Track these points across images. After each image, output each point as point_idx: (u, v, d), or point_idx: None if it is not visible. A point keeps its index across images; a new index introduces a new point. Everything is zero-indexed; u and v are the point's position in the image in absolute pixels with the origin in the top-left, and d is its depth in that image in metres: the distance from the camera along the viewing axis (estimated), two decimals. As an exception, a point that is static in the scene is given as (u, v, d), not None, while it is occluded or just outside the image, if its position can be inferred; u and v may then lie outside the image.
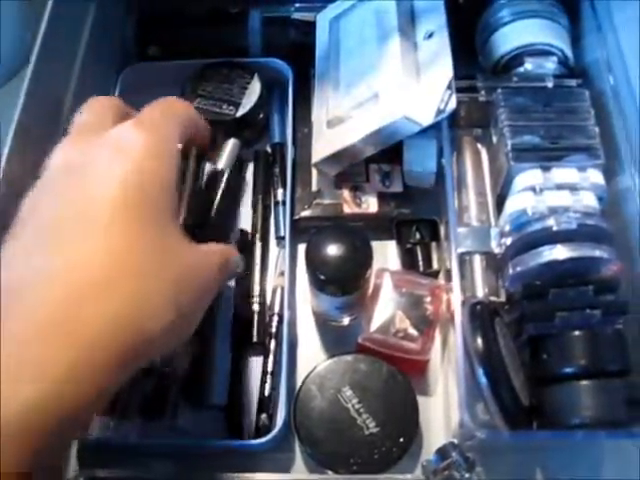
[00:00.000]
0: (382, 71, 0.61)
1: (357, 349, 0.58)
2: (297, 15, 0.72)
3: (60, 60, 0.60)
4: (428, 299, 0.57)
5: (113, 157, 0.40)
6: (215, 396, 0.58)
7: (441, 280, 0.61)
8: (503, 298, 0.58)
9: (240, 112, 0.66)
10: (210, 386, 0.58)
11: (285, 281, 0.60)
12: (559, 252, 0.55)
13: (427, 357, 0.57)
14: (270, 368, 0.59)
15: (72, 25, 0.62)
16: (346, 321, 0.62)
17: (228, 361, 0.60)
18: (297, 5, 0.72)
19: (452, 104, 0.57)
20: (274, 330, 0.60)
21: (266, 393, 0.58)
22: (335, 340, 0.62)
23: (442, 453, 0.54)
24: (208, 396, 0.58)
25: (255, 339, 0.61)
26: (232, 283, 0.61)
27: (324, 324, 0.63)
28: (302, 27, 0.70)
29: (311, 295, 0.61)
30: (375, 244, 0.57)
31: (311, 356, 0.61)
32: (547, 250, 0.55)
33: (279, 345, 0.59)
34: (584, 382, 0.52)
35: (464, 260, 0.59)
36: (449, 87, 0.57)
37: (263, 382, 0.59)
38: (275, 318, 0.61)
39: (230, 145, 0.54)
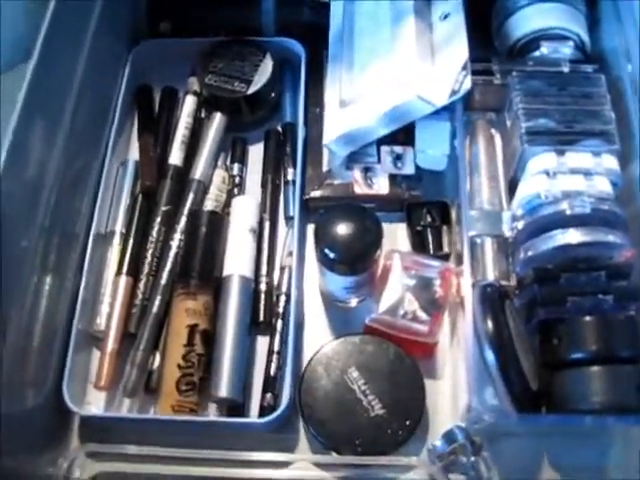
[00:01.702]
0: (396, 52, 0.61)
1: (365, 330, 0.57)
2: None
3: (70, 36, 0.59)
4: (438, 282, 0.57)
5: None
6: (225, 389, 0.56)
7: (451, 263, 0.60)
8: (514, 282, 0.58)
9: (251, 89, 0.65)
10: (221, 377, 0.56)
11: (293, 261, 0.60)
12: (572, 236, 0.54)
13: (435, 340, 0.56)
14: (276, 348, 0.59)
15: (79, 10, 0.61)
16: (354, 302, 0.61)
17: (244, 350, 0.59)
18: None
19: (467, 85, 0.56)
20: (281, 310, 0.60)
21: (272, 373, 0.58)
22: (342, 321, 0.61)
23: (449, 437, 0.53)
24: (218, 389, 0.56)
25: (262, 318, 0.60)
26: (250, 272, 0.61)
27: (331, 305, 0.62)
28: (316, 8, 0.69)
29: (319, 275, 0.60)
30: (386, 226, 0.56)
31: (318, 337, 0.60)
32: (560, 234, 0.54)
33: (286, 325, 0.59)
34: (594, 368, 0.51)
35: (475, 243, 0.59)
36: (464, 68, 0.57)
37: (269, 361, 0.58)
38: (282, 298, 0.60)
39: None
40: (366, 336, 0.56)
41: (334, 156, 0.64)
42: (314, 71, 0.69)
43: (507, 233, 0.59)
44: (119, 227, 0.63)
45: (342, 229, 0.54)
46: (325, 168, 0.64)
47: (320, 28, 0.68)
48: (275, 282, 0.62)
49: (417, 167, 0.64)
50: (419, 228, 0.62)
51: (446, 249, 0.61)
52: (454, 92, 0.57)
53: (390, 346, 0.56)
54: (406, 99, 0.57)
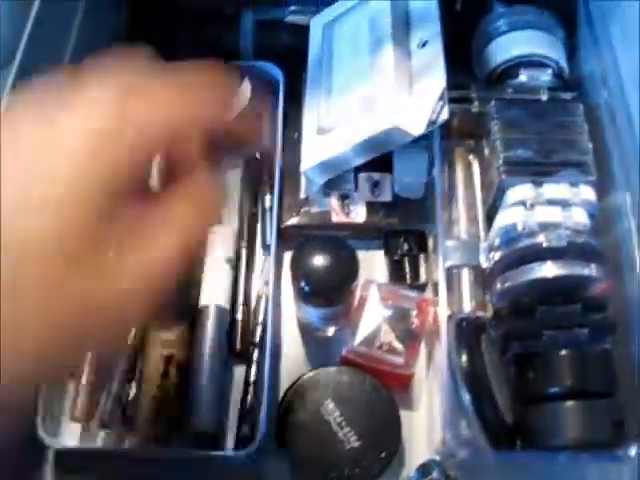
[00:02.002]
0: (374, 79, 0.60)
1: (341, 361, 0.57)
2: (291, 18, 0.71)
3: (48, 60, 0.58)
4: (414, 312, 0.57)
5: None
6: (202, 422, 0.56)
7: (429, 293, 0.60)
8: (490, 313, 0.58)
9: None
10: (197, 409, 0.56)
11: (270, 290, 0.60)
12: (548, 269, 0.54)
13: (411, 371, 0.56)
14: (253, 378, 0.59)
15: (60, 23, 0.61)
16: (331, 332, 0.61)
17: (221, 381, 0.59)
18: (291, 8, 0.71)
19: (444, 115, 0.56)
20: (258, 339, 0.60)
21: (248, 404, 0.58)
22: (320, 350, 0.61)
23: (423, 470, 0.54)
24: (194, 421, 0.56)
25: (238, 348, 0.60)
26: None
27: (309, 334, 0.62)
28: (295, 31, 0.69)
29: (296, 305, 0.60)
30: (363, 254, 0.56)
31: (295, 366, 0.60)
32: (536, 267, 0.54)
33: (262, 355, 0.58)
34: (569, 403, 0.51)
35: (452, 273, 0.58)
36: (441, 98, 0.56)
37: (245, 392, 0.58)
38: (259, 327, 0.60)
39: None
40: (342, 367, 0.56)
41: (311, 183, 0.63)
42: (293, 94, 0.68)
43: (484, 264, 0.58)
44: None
45: (317, 263, 0.53)
46: (302, 195, 0.64)
47: (299, 51, 0.68)
48: (252, 311, 0.62)
49: (395, 195, 0.64)
50: (397, 257, 0.62)
51: (423, 279, 0.61)
52: (431, 122, 0.56)
53: (366, 378, 0.56)
54: (383, 129, 0.57)
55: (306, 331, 0.62)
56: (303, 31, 0.69)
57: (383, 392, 0.55)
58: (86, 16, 0.64)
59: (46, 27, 0.56)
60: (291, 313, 0.63)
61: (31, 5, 0.56)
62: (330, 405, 0.55)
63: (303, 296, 0.55)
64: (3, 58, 0.64)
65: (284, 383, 0.58)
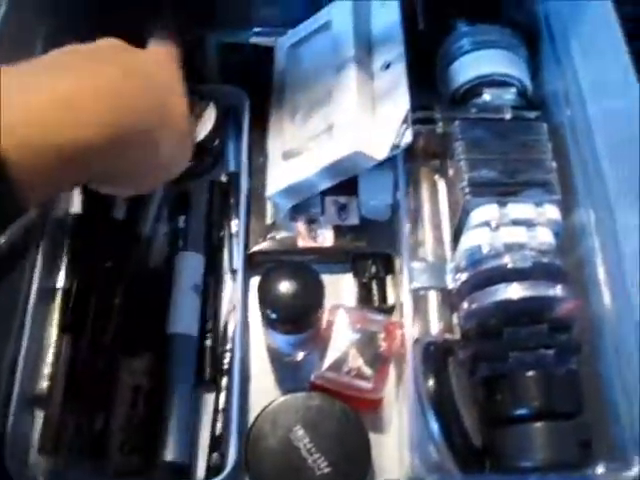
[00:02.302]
0: (338, 103, 0.60)
1: (310, 387, 0.57)
2: (255, 40, 0.70)
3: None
4: (382, 336, 0.57)
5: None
6: (171, 452, 0.56)
7: (397, 315, 0.60)
8: (458, 335, 0.58)
9: (195, 140, 0.64)
10: (167, 439, 0.56)
11: (238, 316, 0.59)
12: (513, 291, 0.54)
13: (380, 396, 0.56)
14: (222, 405, 0.58)
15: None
16: (300, 356, 0.61)
17: (190, 409, 0.58)
18: (255, 30, 0.71)
19: (407, 138, 0.56)
20: (226, 367, 0.59)
21: (217, 432, 0.57)
22: (289, 375, 0.61)
23: (393, 494, 0.53)
24: (164, 451, 0.56)
25: (207, 376, 0.59)
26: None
27: (278, 359, 0.62)
28: (260, 53, 0.69)
29: (264, 331, 0.60)
30: (330, 278, 0.56)
31: (265, 392, 0.60)
32: (502, 289, 0.54)
33: (231, 382, 0.58)
34: (536, 424, 0.51)
35: (419, 295, 0.58)
36: (405, 121, 0.57)
37: (214, 420, 0.58)
38: (227, 354, 0.60)
39: None
40: (312, 393, 0.56)
41: (278, 208, 0.63)
42: (258, 117, 0.68)
43: (450, 285, 0.58)
44: (61, 283, 0.61)
45: (283, 290, 0.53)
46: (269, 220, 0.64)
47: (264, 73, 0.68)
48: (220, 338, 0.61)
49: (362, 217, 0.64)
50: (364, 280, 0.62)
51: (391, 301, 0.61)
52: (395, 146, 0.57)
53: (335, 403, 0.55)
54: (347, 153, 0.57)
55: (275, 356, 0.62)
56: (268, 53, 0.69)
57: (353, 417, 0.55)
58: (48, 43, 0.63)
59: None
60: (260, 338, 0.62)
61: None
62: (300, 432, 0.54)
63: (270, 323, 0.55)
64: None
65: (254, 409, 0.57)
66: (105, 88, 0.44)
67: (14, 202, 0.37)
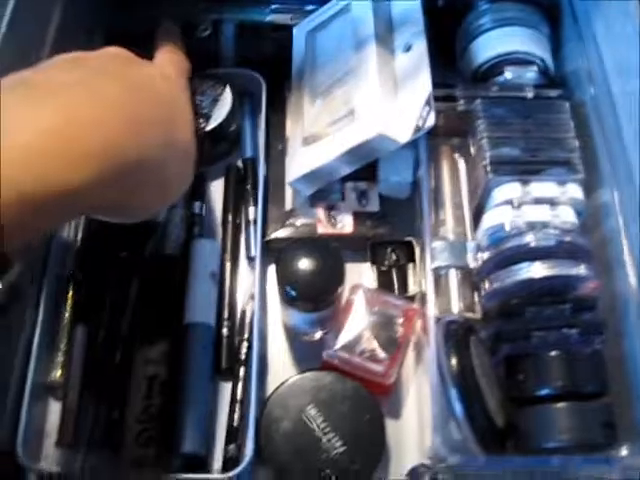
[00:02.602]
0: (359, 86, 0.59)
1: (323, 365, 0.56)
2: (273, 17, 0.69)
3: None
4: (400, 320, 0.56)
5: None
6: (188, 443, 0.54)
7: (417, 303, 0.59)
8: (479, 314, 0.57)
9: (211, 125, 0.63)
10: (183, 431, 0.55)
11: (255, 305, 0.58)
12: (536, 270, 0.53)
13: (390, 381, 0.55)
14: (239, 396, 0.57)
15: (32, 41, 0.58)
16: (318, 335, 0.60)
17: (206, 400, 0.57)
18: (273, 7, 0.70)
19: (430, 121, 0.55)
20: (243, 356, 0.58)
21: (235, 423, 0.56)
22: (307, 354, 0.60)
23: (413, 475, 0.53)
24: (180, 443, 0.54)
25: (224, 365, 0.58)
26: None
27: (296, 338, 0.61)
28: (277, 37, 0.68)
29: (282, 308, 0.59)
30: (350, 265, 0.55)
31: (282, 372, 0.59)
32: (524, 268, 0.54)
33: (248, 372, 0.57)
34: (560, 404, 0.51)
35: (439, 275, 0.58)
36: (427, 103, 0.55)
37: (232, 411, 0.57)
38: (244, 344, 0.58)
39: None
40: (322, 372, 0.55)
41: (298, 195, 0.62)
42: (276, 103, 0.67)
43: (472, 264, 0.58)
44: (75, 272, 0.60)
45: (303, 267, 0.52)
46: (288, 207, 0.63)
47: (282, 58, 0.67)
48: (237, 326, 0.60)
49: (382, 204, 0.63)
50: (384, 268, 0.61)
51: (412, 290, 0.60)
52: (418, 128, 0.55)
53: (347, 381, 0.55)
54: (369, 137, 0.56)
55: (293, 335, 0.61)
56: (286, 38, 0.68)
57: (366, 396, 0.54)
58: (60, 34, 0.61)
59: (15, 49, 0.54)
60: (277, 315, 0.62)
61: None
62: (312, 411, 0.54)
63: (288, 300, 0.54)
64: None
65: (271, 389, 0.56)
66: (103, 114, 0.40)
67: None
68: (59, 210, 0.38)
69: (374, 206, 0.62)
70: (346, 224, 0.62)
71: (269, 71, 0.68)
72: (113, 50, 0.49)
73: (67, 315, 0.58)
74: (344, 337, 0.55)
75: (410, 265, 0.61)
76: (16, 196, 0.34)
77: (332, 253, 0.54)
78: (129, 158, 0.41)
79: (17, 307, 0.55)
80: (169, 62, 0.54)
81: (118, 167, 0.40)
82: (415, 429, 0.58)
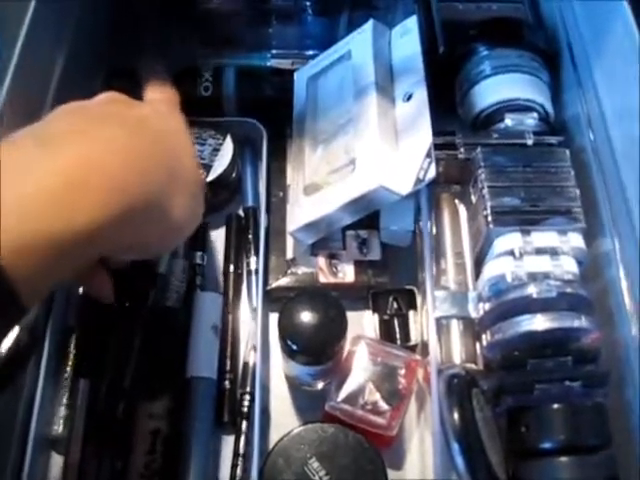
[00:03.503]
0: (359, 136, 0.59)
1: (324, 416, 0.56)
2: (273, 62, 0.70)
3: (24, 116, 0.57)
4: (402, 372, 0.55)
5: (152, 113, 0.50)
6: None
7: (419, 351, 0.59)
8: (481, 365, 0.57)
9: (212, 176, 0.63)
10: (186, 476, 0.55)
11: (257, 358, 0.58)
12: (538, 323, 0.53)
13: (392, 433, 0.55)
14: (242, 450, 0.57)
15: (37, 80, 0.59)
16: (320, 385, 0.60)
17: (209, 454, 0.57)
18: (273, 52, 0.70)
19: (431, 173, 0.55)
20: (245, 409, 0.58)
21: (237, 477, 0.56)
22: (308, 404, 0.60)
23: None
24: None
25: (226, 419, 0.58)
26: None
27: (297, 387, 0.61)
28: (278, 82, 0.68)
29: (283, 360, 0.59)
30: (351, 314, 0.55)
31: (284, 421, 0.59)
32: (526, 320, 0.54)
33: (251, 426, 0.56)
34: (563, 458, 0.50)
35: (441, 325, 0.58)
36: (428, 155, 0.55)
37: (234, 465, 0.56)
38: (246, 397, 0.58)
39: None
40: (325, 424, 0.54)
41: (299, 244, 0.62)
42: (276, 149, 0.67)
43: (473, 314, 0.58)
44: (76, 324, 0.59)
45: (305, 321, 0.53)
46: (289, 255, 0.63)
47: (282, 102, 0.67)
48: (239, 379, 0.60)
49: (383, 252, 0.63)
50: (386, 317, 0.61)
51: (413, 339, 0.60)
52: (419, 180, 0.55)
53: (349, 434, 0.54)
54: (370, 189, 0.56)
55: (294, 384, 0.61)
56: (287, 82, 0.68)
57: (368, 448, 0.54)
58: (65, 73, 0.62)
59: (25, 83, 0.55)
60: (278, 365, 0.61)
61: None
62: (315, 464, 0.53)
63: (290, 353, 0.54)
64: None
65: (273, 439, 0.56)
66: (109, 157, 0.41)
67: (14, 304, 0.34)
68: (68, 256, 0.38)
69: (375, 254, 0.62)
70: (347, 273, 0.61)
71: (269, 116, 0.68)
72: (110, 96, 0.50)
73: (69, 368, 0.58)
74: (346, 389, 0.55)
75: (411, 313, 0.61)
76: (26, 251, 0.35)
77: (334, 307, 0.54)
78: (136, 197, 0.42)
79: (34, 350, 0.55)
80: (159, 100, 0.55)
81: (126, 207, 0.41)
82: (415, 481, 0.57)
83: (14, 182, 0.36)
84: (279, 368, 0.62)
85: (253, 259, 0.64)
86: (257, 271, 0.62)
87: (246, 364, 0.60)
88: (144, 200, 0.43)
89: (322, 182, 0.60)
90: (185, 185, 0.48)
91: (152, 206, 0.44)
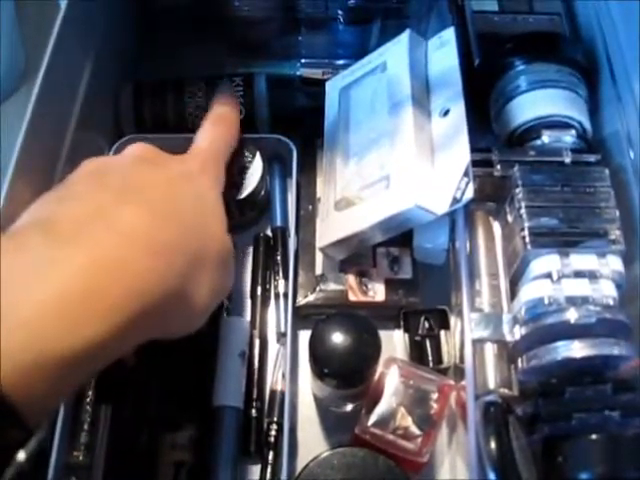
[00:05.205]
0: (394, 151, 0.57)
1: (354, 440, 0.55)
2: (303, 71, 0.69)
3: (50, 130, 0.56)
4: (435, 396, 0.54)
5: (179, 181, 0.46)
6: None
7: (450, 374, 0.58)
8: (516, 390, 0.55)
9: (241, 195, 0.61)
10: None
11: (286, 386, 0.56)
12: (576, 349, 0.52)
13: (424, 459, 0.53)
14: None
15: (64, 93, 0.58)
16: (349, 408, 0.59)
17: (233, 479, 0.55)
18: (303, 61, 0.69)
19: (469, 193, 0.53)
20: (272, 439, 0.56)
21: None
22: (337, 426, 0.59)
23: None
24: None
25: (252, 449, 0.57)
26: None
27: (326, 409, 0.60)
28: (309, 92, 0.67)
29: (311, 380, 0.57)
30: (382, 333, 0.53)
31: (311, 444, 0.58)
32: (564, 346, 0.52)
33: (278, 456, 0.55)
34: (601, 490, 0.49)
35: (475, 348, 0.56)
36: (466, 174, 0.54)
37: None
38: (274, 426, 0.56)
39: None
40: (354, 448, 0.53)
41: (328, 259, 0.61)
42: (306, 162, 0.66)
43: (508, 337, 0.56)
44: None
45: (337, 343, 0.51)
46: (318, 271, 0.61)
47: (314, 112, 0.66)
48: (266, 407, 0.58)
49: (415, 271, 0.61)
50: (417, 338, 0.60)
51: (446, 361, 0.59)
52: (456, 200, 0.54)
53: (380, 459, 0.53)
54: (405, 208, 0.54)
55: (323, 405, 0.60)
56: (318, 93, 0.67)
57: (398, 472, 0.53)
58: (90, 86, 0.61)
59: (50, 96, 0.54)
60: (306, 384, 0.60)
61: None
62: (343, 489, 0.52)
63: (320, 376, 0.53)
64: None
65: (300, 463, 0.55)
66: (129, 254, 0.37)
67: (18, 427, 0.31)
68: (78, 369, 0.34)
69: (407, 273, 0.61)
70: (378, 292, 0.60)
71: (301, 125, 0.67)
72: (135, 154, 0.46)
73: (90, 393, 0.56)
74: (377, 413, 0.54)
75: (443, 333, 0.60)
76: (29, 372, 0.31)
77: (368, 330, 0.52)
78: (157, 295, 0.38)
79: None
80: (197, 154, 0.51)
81: (147, 306, 0.37)
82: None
83: (15, 293, 0.32)
84: (307, 387, 0.60)
85: (282, 282, 0.62)
86: (286, 295, 0.60)
87: (274, 392, 0.58)
88: (165, 295, 0.39)
89: (354, 198, 0.58)
90: (212, 260, 0.44)
91: (174, 297, 0.40)
